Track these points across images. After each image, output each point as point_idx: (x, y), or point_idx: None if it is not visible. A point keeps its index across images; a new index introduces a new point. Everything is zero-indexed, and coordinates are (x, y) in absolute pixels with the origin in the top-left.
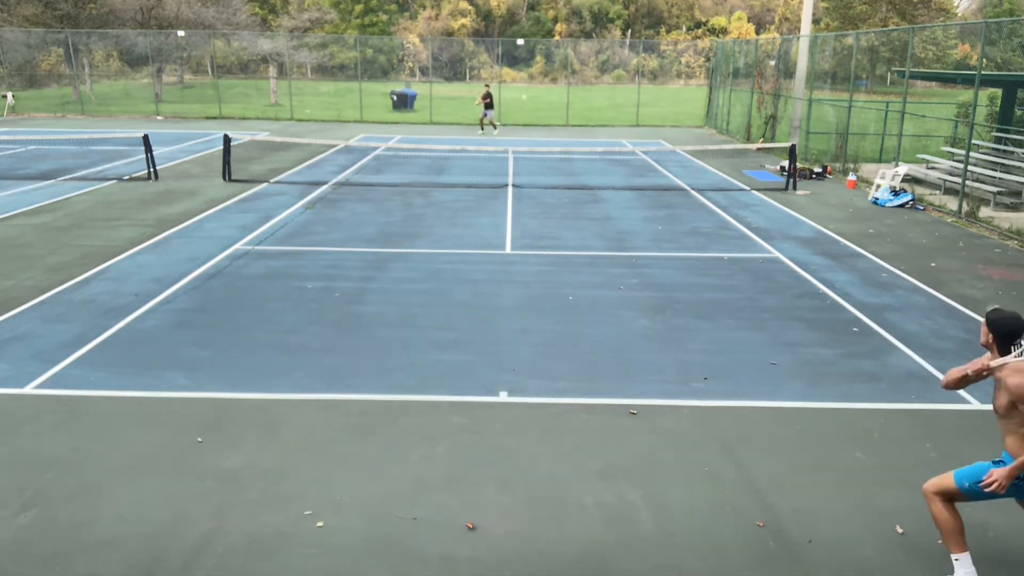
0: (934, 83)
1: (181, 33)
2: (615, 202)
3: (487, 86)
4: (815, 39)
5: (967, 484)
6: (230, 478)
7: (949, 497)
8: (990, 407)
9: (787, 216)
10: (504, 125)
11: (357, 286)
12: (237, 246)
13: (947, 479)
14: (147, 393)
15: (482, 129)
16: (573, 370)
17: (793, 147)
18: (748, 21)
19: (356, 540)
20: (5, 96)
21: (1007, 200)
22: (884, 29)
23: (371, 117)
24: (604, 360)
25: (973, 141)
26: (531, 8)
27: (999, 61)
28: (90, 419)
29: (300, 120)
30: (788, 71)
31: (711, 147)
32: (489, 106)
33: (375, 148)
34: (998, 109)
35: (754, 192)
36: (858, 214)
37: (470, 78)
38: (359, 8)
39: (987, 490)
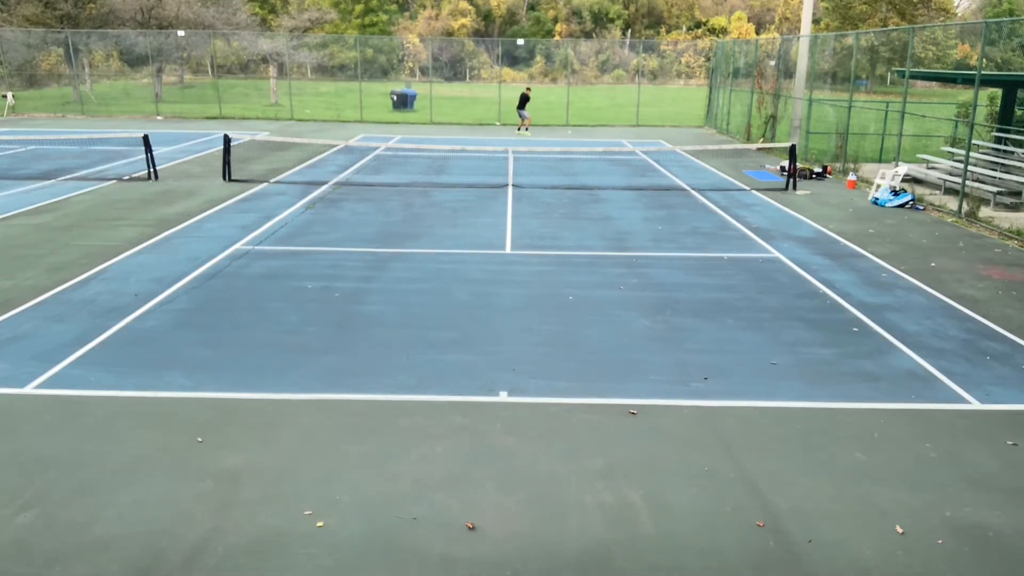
0: (934, 83)
1: (181, 33)
2: (615, 202)
3: (528, 89)
4: (815, 39)
5: None
6: (230, 478)
7: None
8: (991, 407)
9: (787, 216)
10: (504, 125)
11: (357, 286)
12: (237, 246)
13: None
14: (147, 393)
15: (527, 130)
16: (573, 370)
17: (793, 147)
18: (748, 21)
19: (356, 540)
20: (5, 96)
21: (1007, 200)
22: (884, 29)
23: (371, 117)
24: (604, 360)
25: (973, 141)
26: (531, 8)
27: (999, 61)
28: (90, 419)
29: (300, 120)
30: (788, 71)
31: (711, 147)
32: (522, 106)
33: (375, 148)
34: (998, 109)
35: (754, 192)
36: (858, 214)
37: (470, 78)
38: (359, 8)
39: None
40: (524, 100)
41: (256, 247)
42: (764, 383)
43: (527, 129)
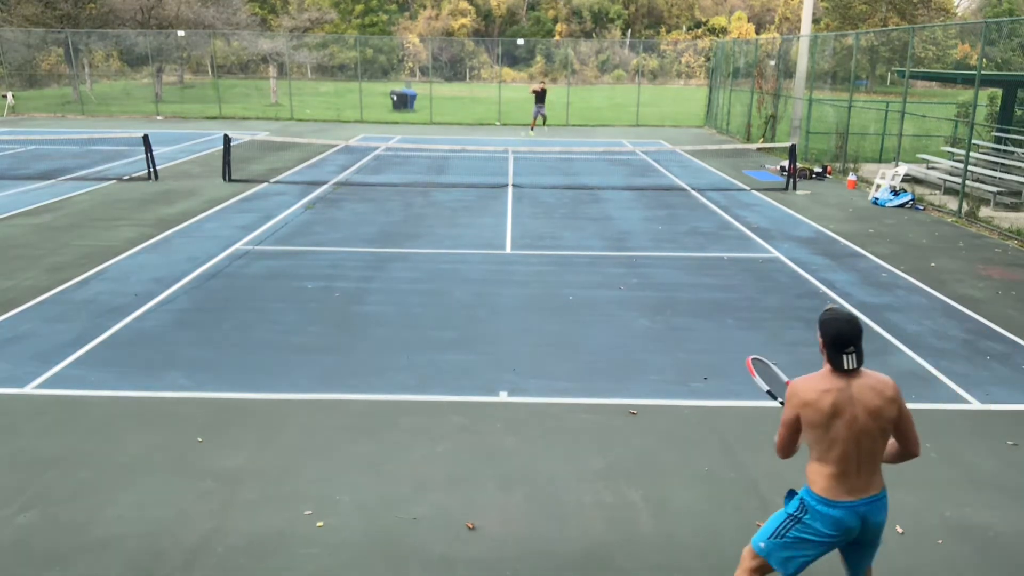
0: (934, 83)
1: (181, 33)
2: (615, 202)
3: (542, 82)
4: (815, 39)
5: (763, 543)
6: (230, 478)
7: (760, 571)
8: (991, 407)
9: (787, 216)
10: (504, 125)
11: (357, 286)
12: (237, 246)
13: (746, 555)
14: (147, 393)
15: (532, 130)
16: (573, 370)
17: (793, 147)
18: (748, 21)
19: (356, 540)
20: (5, 96)
21: (1007, 200)
22: (884, 29)
23: (371, 117)
24: (604, 360)
25: (973, 141)
26: (531, 8)
27: (999, 61)
28: (90, 419)
29: (300, 120)
30: (788, 71)
31: (711, 147)
32: (539, 101)
33: (375, 148)
34: (998, 109)
35: (754, 192)
36: (858, 214)
37: (470, 78)
38: (359, 8)
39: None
40: (541, 95)
41: (256, 247)
42: None
43: (532, 129)
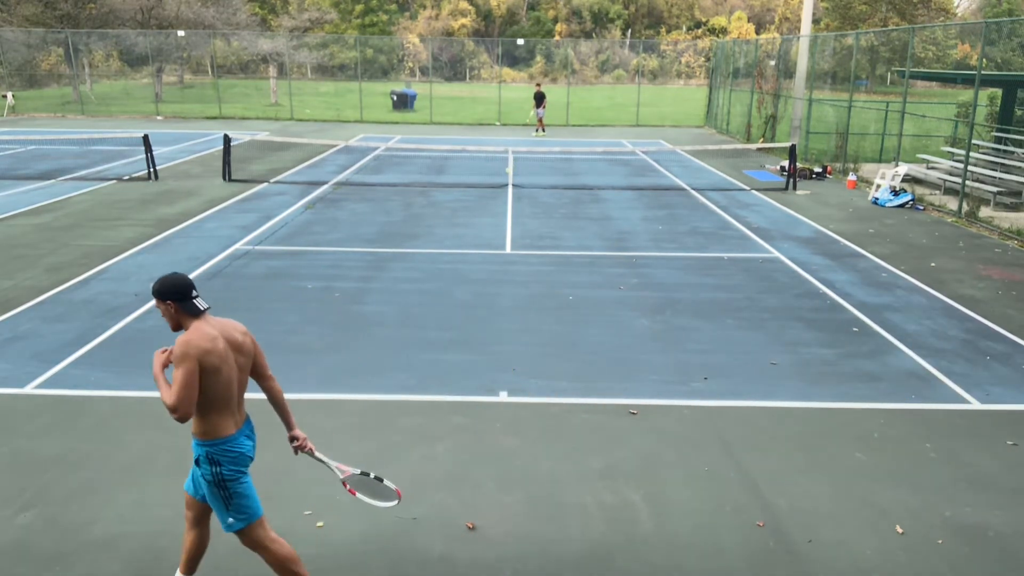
0: (934, 83)
1: (181, 33)
2: (615, 202)
3: (538, 85)
4: (815, 39)
5: (233, 519)
6: None
7: (259, 542)
8: (991, 407)
9: (787, 216)
10: (504, 125)
11: (357, 286)
12: (237, 246)
13: (250, 544)
14: (147, 393)
15: (542, 130)
16: (573, 370)
17: (793, 147)
18: (748, 21)
19: (356, 540)
20: (5, 96)
21: (1007, 200)
22: (884, 29)
23: (371, 117)
24: (604, 360)
25: (973, 141)
26: (531, 8)
27: (999, 61)
28: (90, 419)
29: (300, 120)
30: (788, 71)
31: (711, 147)
32: (540, 104)
33: (375, 148)
34: (998, 109)
35: (754, 192)
36: (858, 214)
37: (470, 78)
38: (359, 8)
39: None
40: (540, 98)
41: (256, 247)
42: (764, 383)
43: (537, 130)
